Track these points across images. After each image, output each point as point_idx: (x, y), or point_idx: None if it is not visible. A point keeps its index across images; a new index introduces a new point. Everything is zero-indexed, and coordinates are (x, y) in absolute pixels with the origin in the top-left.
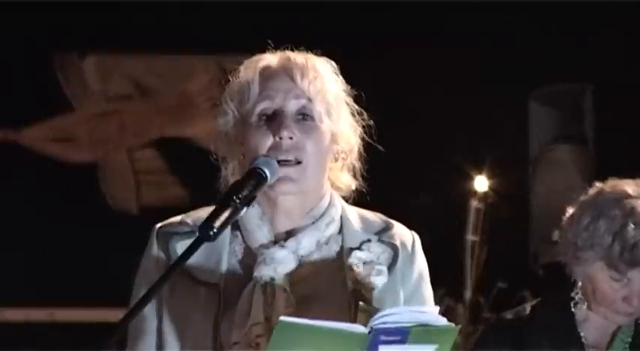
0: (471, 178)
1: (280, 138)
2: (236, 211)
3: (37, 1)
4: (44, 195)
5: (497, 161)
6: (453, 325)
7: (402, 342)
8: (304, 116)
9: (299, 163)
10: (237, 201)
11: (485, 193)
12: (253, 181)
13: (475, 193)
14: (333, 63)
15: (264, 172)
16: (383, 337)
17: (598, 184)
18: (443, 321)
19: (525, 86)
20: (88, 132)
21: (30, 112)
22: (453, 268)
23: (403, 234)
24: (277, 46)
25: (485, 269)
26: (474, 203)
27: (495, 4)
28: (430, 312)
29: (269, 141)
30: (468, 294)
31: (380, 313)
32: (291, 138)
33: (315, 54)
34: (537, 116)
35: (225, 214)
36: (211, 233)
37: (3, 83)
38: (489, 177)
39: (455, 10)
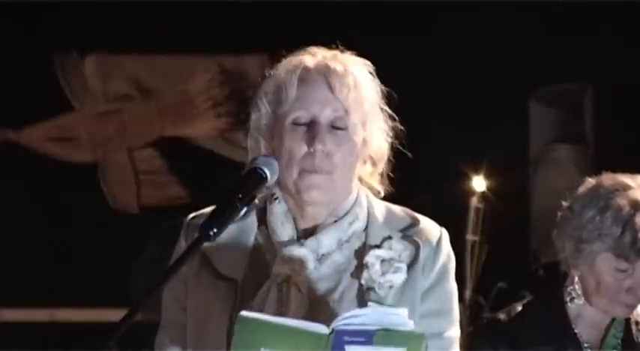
0: (471, 178)
1: (314, 150)
2: (236, 211)
3: (37, 1)
4: (44, 195)
5: (497, 161)
6: (418, 330)
7: (368, 343)
8: (338, 127)
9: (328, 173)
10: (238, 201)
11: (485, 193)
12: (253, 180)
13: (475, 192)
14: (370, 64)
15: (264, 172)
16: (347, 338)
17: (591, 179)
18: (409, 325)
19: (525, 86)
20: (88, 132)
21: (30, 112)
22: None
23: (429, 230)
24: (277, 47)
25: (486, 269)
26: (474, 203)
27: (495, 4)
28: (398, 314)
29: (302, 150)
30: (467, 294)
31: (346, 314)
32: (323, 150)
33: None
34: (537, 116)
35: (225, 214)
36: (211, 233)
37: (3, 83)
38: (489, 177)
39: (455, 10)
